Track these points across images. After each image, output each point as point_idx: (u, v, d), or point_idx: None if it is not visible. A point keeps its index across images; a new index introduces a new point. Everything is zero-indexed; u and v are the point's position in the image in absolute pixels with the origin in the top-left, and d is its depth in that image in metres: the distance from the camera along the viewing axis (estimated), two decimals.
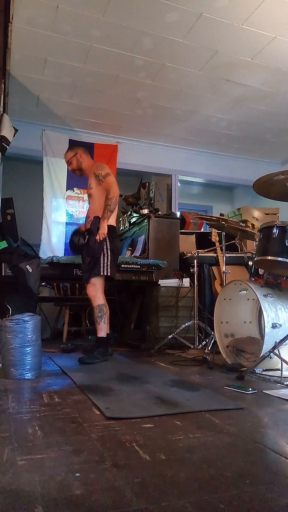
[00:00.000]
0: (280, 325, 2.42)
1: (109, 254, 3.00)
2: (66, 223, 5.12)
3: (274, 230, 2.51)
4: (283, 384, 2.21)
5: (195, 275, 3.51)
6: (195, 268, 3.50)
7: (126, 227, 5.16)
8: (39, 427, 1.46)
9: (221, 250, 3.88)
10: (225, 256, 3.56)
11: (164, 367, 2.79)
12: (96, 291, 2.99)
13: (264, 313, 2.42)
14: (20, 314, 2.45)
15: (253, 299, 2.96)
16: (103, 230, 2.96)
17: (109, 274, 2.98)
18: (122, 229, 5.22)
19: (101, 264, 2.96)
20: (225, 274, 3.53)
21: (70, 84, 4.23)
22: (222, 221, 3.25)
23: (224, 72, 3.99)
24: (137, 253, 4.56)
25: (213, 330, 2.99)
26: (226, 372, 2.55)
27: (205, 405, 1.76)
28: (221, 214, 3.87)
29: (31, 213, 5.08)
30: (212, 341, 3.01)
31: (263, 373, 2.49)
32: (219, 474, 1.08)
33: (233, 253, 4.24)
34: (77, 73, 4.03)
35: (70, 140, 5.04)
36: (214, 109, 4.74)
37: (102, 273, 2.95)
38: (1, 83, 3.65)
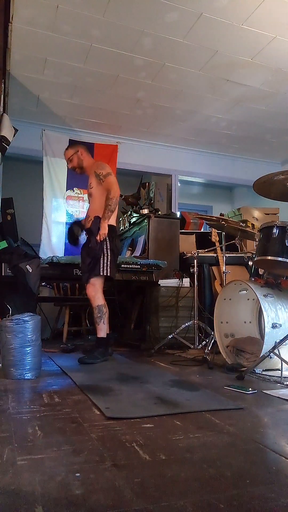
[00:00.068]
0: (280, 325, 2.42)
1: (109, 254, 2.99)
2: (66, 223, 5.12)
3: (274, 230, 2.51)
4: (283, 384, 2.21)
5: (195, 275, 3.51)
6: (195, 268, 3.49)
7: (126, 227, 5.16)
8: (39, 427, 1.46)
9: (221, 250, 3.88)
10: (225, 256, 3.56)
11: (164, 367, 2.79)
12: (95, 291, 2.99)
13: (264, 313, 2.42)
14: (20, 314, 2.45)
15: (253, 299, 2.96)
16: (104, 231, 2.95)
17: (108, 274, 2.97)
18: (122, 229, 5.22)
19: (101, 264, 2.96)
20: (225, 274, 3.53)
21: (70, 84, 4.23)
22: (222, 221, 3.25)
23: (224, 72, 3.99)
24: (137, 253, 4.56)
25: (213, 330, 2.99)
26: (226, 372, 2.55)
27: (205, 405, 1.76)
28: (221, 214, 3.87)
29: (31, 213, 5.09)
30: (212, 341, 3.01)
31: (263, 373, 2.49)
32: (219, 474, 1.08)
33: (233, 253, 4.24)
34: (77, 73, 4.04)
35: (70, 140, 5.04)
36: (214, 109, 4.74)
37: (101, 273, 2.95)
38: (1, 83, 3.65)
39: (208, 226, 4.41)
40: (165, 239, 4.46)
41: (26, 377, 2.33)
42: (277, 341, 2.33)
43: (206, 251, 3.86)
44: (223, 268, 3.55)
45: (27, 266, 3.27)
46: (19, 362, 2.33)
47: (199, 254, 3.61)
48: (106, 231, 2.96)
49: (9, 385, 2.17)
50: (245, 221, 4.41)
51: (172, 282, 3.97)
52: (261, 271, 3.02)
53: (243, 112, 4.78)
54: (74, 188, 5.24)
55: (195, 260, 3.50)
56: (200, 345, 3.31)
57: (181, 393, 1.99)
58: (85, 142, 5.00)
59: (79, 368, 2.68)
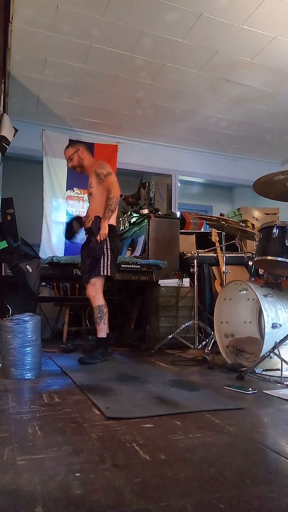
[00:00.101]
0: (280, 325, 2.42)
1: (109, 254, 2.99)
2: (66, 223, 5.12)
3: (274, 230, 2.51)
4: (283, 384, 2.21)
5: (195, 275, 3.51)
6: (195, 268, 3.49)
7: (126, 227, 5.16)
8: (39, 427, 1.46)
9: (221, 250, 3.88)
10: (225, 256, 3.56)
11: (164, 367, 2.78)
12: (96, 291, 2.98)
13: (264, 313, 2.42)
14: (20, 314, 2.45)
15: (253, 299, 2.96)
16: (104, 231, 2.94)
17: (109, 274, 2.97)
18: (122, 229, 5.22)
19: (101, 264, 2.95)
20: (225, 274, 3.52)
21: (70, 84, 4.23)
22: (222, 221, 3.25)
23: (224, 72, 3.99)
24: (137, 253, 4.56)
25: (213, 330, 2.99)
26: (226, 372, 2.55)
27: (205, 405, 1.76)
28: (221, 214, 3.87)
29: (31, 213, 5.09)
30: (212, 341, 3.01)
31: (263, 373, 2.49)
32: (219, 474, 1.08)
33: (233, 253, 4.24)
34: (77, 73, 4.04)
35: (70, 140, 5.03)
36: (214, 109, 4.74)
37: (102, 273, 2.94)
38: (1, 83, 3.66)
39: (208, 226, 4.41)
40: (165, 239, 4.46)
41: (26, 377, 2.32)
42: (277, 341, 2.33)
43: (206, 251, 3.86)
44: (223, 268, 3.55)
45: (27, 266, 3.27)
46: (19, 362, 2.33)
47: (199, 254, 3.61)
48: (107, 231, 2.95)
49: (9, 385, 2.18)
50: (245, 221, 4.41)
51: (172, 282, 3.97)
52: (261, 271, 3.02)
53: (243, 112, 4.78)
54: (74, 188, 5.24)
55: (195, 260, 3.50)
56: (200, 345, 3.31)
57: (181, 393, 1.99)
58: (85, 142, 5.01)
59: (79, 368, 2.68)
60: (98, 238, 2.94)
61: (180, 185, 6.04)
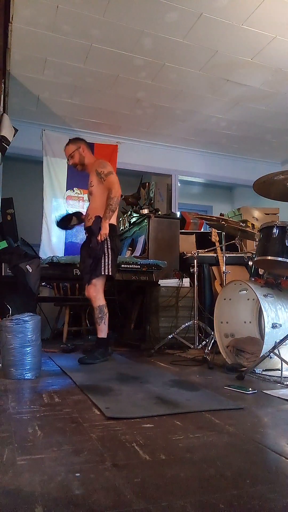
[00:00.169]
0: (280, 325, 2.42)
1: (110, 253, 2.98)
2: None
3: (274, 230, 2.51)
4: (283, 384, 2.21)
5: (195, 275, 3.51)
6: (195, 268, 3.49)
7: (126, 227, 5.16)
8: (39, 427, 1.46)
9: (221, 250, 3.88)
10: (225, 256, 3.56)
11: (164, 367, 2.78)
12: (97, 291, 2.98)
13: (264, 313, 2.42)
14: (20, 314, 2.45)
15: (253, 299, 2.96)
16: (105, 231, 2.93)
17: (110, 273, 2.96)
18: (122, 229, 5.22)
19: (102, 263, 2.95)
20: (225, 274, 3.52)
21: (70, 84, 4.23)
22: (222, 221, 3.25)
23: (224, 72, 3.99)
24: (137, 253, 4.56)
25: (213, 330, 2.99)
26: (226, 372, 2.55)
27: (205, 405, 1.76)
28: (221, 214, 3.87)
29: (31, 213, 5.09)
30: (212, 341, 3.01)
31: (263, 373, 2.49)
32: (219, 474, 1.08)
33: (233, 253, 4.24)
34: (77, 73, 4.04)
35: (70, 140, 5.04)
36: (214, 109, 4.74)
37: (103, 273, 2.94)
38: (1, 83, 3.65)
39: (208, 226, 4.41)
40: (165, 239, 4.46)
41: (26, 377, 2.32)
42: (277, 341, 2.33)
43: (206, 251, 3.86)
44: (223, 268, 3.55)
45: (27, 266, 3.27)
46: (19, 362, 2.33)
47: (199, 254, 3.61)
48: (108, 231, 2.94)
49: (9, 385, 2.17)
50: (245, 221, 4.40)
51: (172, 282, 3.97)
52: (261, 271, 3.02)
53: (243, 112, 4.78)
54: (74, 188, 5.24)
55: (195, 260, 3.50)
56: (200, 345, 3.31)
57: (181, 393, 1.99)
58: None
59: (79, 368, 2.68)
60: (99, 238, 2.94)
61: (180, 185, 6.04)
